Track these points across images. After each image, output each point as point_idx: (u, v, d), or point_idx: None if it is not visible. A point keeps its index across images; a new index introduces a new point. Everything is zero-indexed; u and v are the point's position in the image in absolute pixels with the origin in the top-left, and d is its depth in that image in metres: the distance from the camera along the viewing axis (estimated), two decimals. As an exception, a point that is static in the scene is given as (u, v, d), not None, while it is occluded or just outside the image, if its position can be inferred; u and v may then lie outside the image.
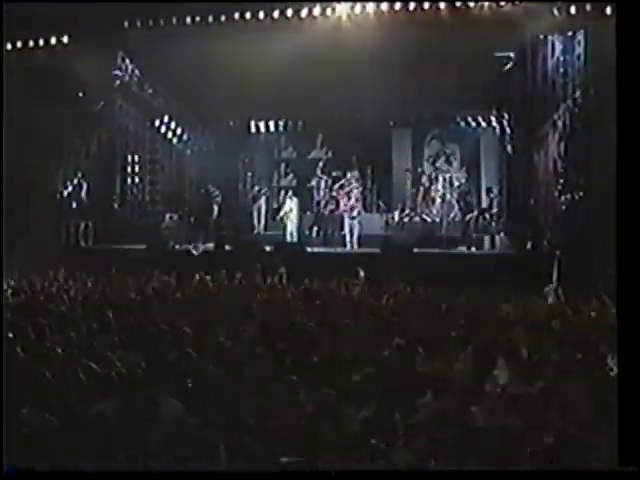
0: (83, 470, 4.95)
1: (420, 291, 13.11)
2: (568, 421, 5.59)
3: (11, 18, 15.29)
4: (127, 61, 20.19)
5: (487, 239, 19.48)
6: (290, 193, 22.32)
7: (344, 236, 20.29)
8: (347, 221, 20.39)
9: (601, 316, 10.17)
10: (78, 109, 19.87)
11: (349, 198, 21.21)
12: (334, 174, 23.22)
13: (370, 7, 17.28)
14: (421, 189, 22.78)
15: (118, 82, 20.30)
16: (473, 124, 22.37)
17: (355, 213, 20.53)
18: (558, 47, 17.58)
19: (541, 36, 17.58)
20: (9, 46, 18.35)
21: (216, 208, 22.38)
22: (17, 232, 18.15)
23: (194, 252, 18.67)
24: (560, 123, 17.89)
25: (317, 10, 17.49)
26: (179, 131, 23.14)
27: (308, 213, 22.45)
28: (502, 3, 16.64)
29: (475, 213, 21.53)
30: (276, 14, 17.64)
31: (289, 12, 17.60)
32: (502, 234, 19.86)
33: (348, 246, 20.10)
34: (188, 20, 18.01)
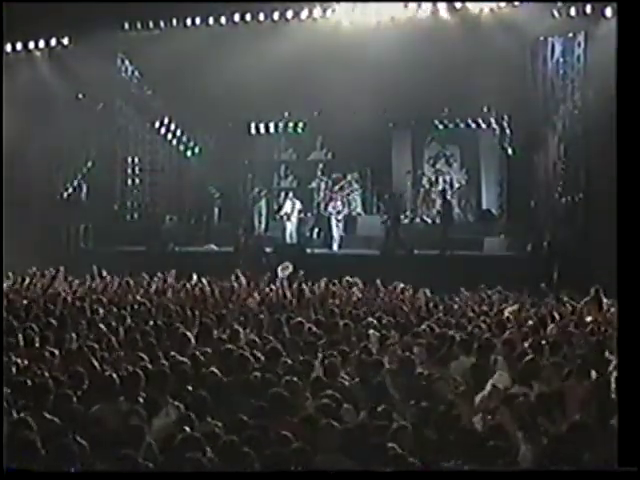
0: (82, 470, 4.95)
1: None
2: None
3: (11, 18, 15.33)
4: (127, 62, 20.17)
5: (487, 241, 19.41)
6: (290, 195, 22.24)
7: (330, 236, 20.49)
8: (333, 222, 20.60)
9: (600, 316, 10.18)
10: (78, 111, 19.86)
11: (340, 200, 21.57)
12: (334, 176, 23.14)
13: (370, 9, 17.29)
14: (421, 191, 22.68)
15: (118, 83, 20.26)
16: (473, 125, 22.27)
17: (341, 217, 20.76)
18: (558, 49, 17.57)
19: (541, 37, 17.58)
20: (9, 47, 18.36)
21: (216, 210, 22.35)
22: (17, 233, 18.12)
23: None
24: (560, 125, 17.88)
25: (317, 12, 17.49)
26: (179, 132, 23.08)
27: (308, 215, 22.39)
28: (502, 5, 16.66)
29: (475, 215, 21.49)
30: (276, 16, 17.65)
31: (289, 14, 17.60)
32: (502, 236, 19.79)
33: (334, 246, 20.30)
34: (188, 22, 18.03)
